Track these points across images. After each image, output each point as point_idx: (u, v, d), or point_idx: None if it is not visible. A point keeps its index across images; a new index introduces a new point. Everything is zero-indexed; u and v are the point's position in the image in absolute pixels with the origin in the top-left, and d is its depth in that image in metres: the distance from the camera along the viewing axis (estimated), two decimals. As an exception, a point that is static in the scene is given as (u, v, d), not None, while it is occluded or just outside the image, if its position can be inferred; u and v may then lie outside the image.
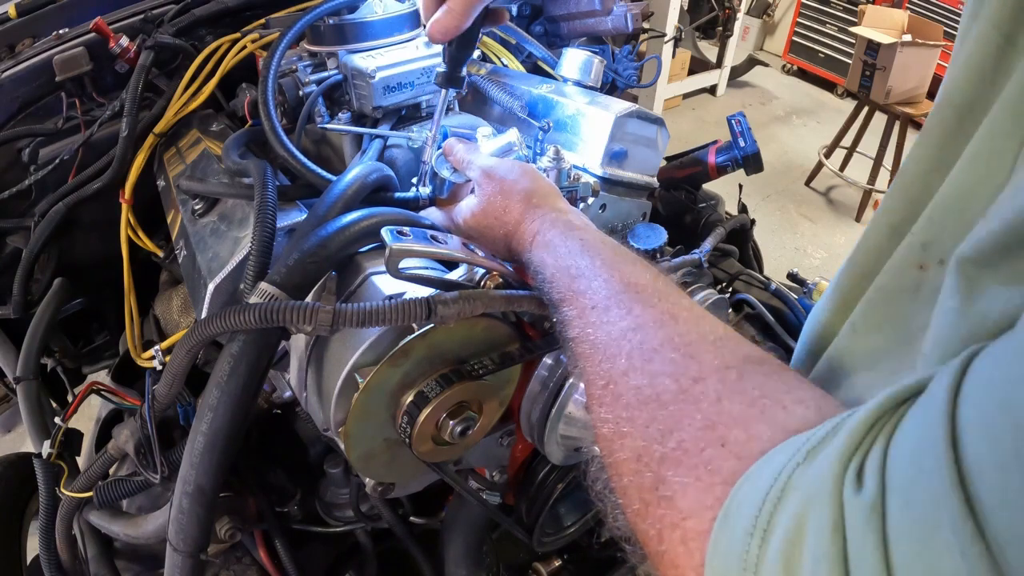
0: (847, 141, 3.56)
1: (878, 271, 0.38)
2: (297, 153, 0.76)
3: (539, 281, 0.55)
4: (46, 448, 0.89)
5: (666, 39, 3.39)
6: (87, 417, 1.07)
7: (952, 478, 0.21)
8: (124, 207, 1.01)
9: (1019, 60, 0.28)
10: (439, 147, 0.77)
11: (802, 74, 4.85)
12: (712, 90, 4.65)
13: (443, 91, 0.75)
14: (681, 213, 1.21)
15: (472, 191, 0.74)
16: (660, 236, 0.88)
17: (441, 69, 0.72)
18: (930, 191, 0.34)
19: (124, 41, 1.06)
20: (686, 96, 4.55)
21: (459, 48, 0.69)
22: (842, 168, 3.63)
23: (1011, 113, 0.28)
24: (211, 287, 0.69)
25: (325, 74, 0.87)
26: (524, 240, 0.59)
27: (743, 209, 1.25)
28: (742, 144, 1.09)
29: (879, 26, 3.33)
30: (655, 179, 0.91)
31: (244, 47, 1.02)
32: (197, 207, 0.81)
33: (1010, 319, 0.24)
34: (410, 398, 0.58)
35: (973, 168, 0.30)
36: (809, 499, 0.26)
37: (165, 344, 0.85)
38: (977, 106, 0.30)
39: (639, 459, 0.36)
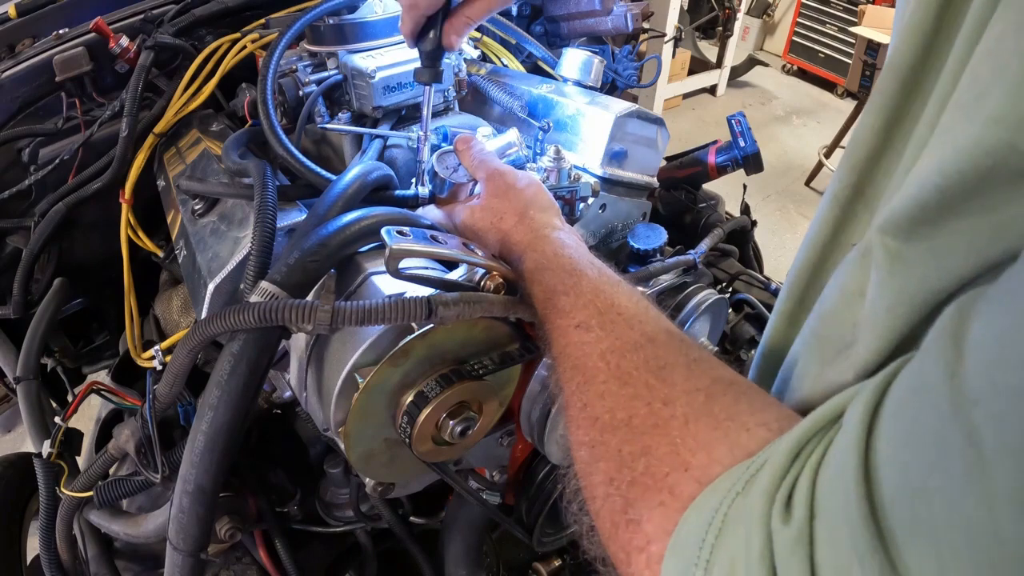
0: (847, 141, 3.55)
1: (824, 243, 0.38)
2: (297, 153, 0.76)
3: (525, 293, 0.55)
4: (46, 448, 0.88)
5: (666, 39, 3.39)
6: (87, 417, 1.07)
7: (863, 511, 0.22)
8: (124, 207, 1.01)
9: (961, 22, 0.27)
10: (433, 147, 0.77)
11: (802, 74, 4.85)
12: (712, 90, 4.65)
13: (427, 88, 0.75)
14: (681, 213, 1.21)
15: (472, 191, 0.74)
16: (660, 236, 0.88)
17: (418, 67, 0.72)
18: (872, 157, 0.34)
19: (124, 41, 1.06)
20: (686, 96, 4.55)
21: (431, 42, 0.69)
22: (842, 168, 3.62)
23: (950, 80, 0.28)
24: (211, 287, 0.69)
25: (325, 74, 0.86)
26: (515, 250, 0.59)
27: (746, 210, 1.25)
28: (742, 144, 1.09)
29: (879, 26, 3.33)
30: (655, 179, 0.91)
31: (244, 47, 1.02)
32: (197, 207, 0.81)
33: (930, 294, 0.25)
34: (410, 398, 0.58)
35: (918, 135, 0.30)
36: (741, 533, 0.27)
37: (165, 344, 0.85)
38: (919, 70, 0.30)
39: (611, 482, 0.36)
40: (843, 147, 3.58)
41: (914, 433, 0.22)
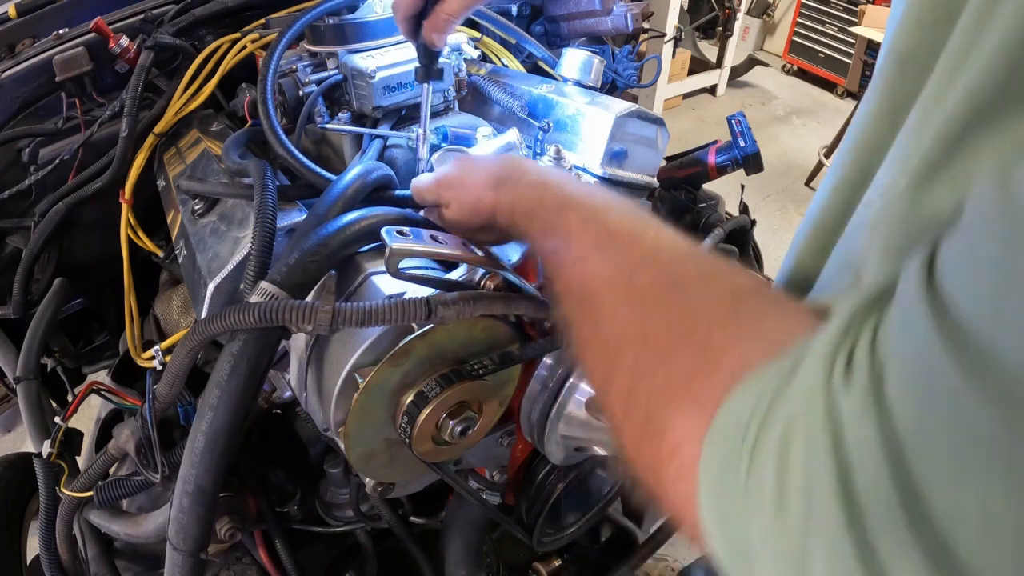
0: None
1: (832, 229, 0.38)
2: (297, 153, 0.76)
3: (528, 252, 0.54)
4: (46, 448, 0.89)
5: (666, 39, 3.39)
6: (87, 417, 1.07)
7: (944, 344, 0.20)
8: (124, 207, 1.01)
9: (958, 9, 0.26)
10: (433, 147, 0.77)
11: (802, 74, 4.85)
12: (712, 90, 4.65)
13: (424, 86, 0.75)
14: (681, 213, 1.21)
15: None
16: (660, 236, 0.88)
17: (417, 65, 0.72)
18: (881, 141, 0.33)
19: (124, 41, 1.06)
20: (686, 96, 4.55)
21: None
22: (842, 168, 3.62)
23: (947, 71, 0.27)
24: (211, 287, 0.69)
25: (325, 74, 0.87)
26: (505, 217, 0.57)
27: (744, 209, 1.25)
28: (742, 144, 1.09)
29: (879, 26, 3.33)
30: (655, 179, 0.91)
31: (244, 47, 1.02)
32: (197, 207, 0.81)
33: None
34: (410, 398, 0.58)
35: (914, 116, 0.29)
36: (798, 402, 0.25)
37: (165, 344, 0.85)
38: (918, 55, 0.30)
39: (630, 397, 0.34)
40: (843, 147, 3.57)
41: (982, 258, 0.20)
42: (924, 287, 0.22)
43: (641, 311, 0.36)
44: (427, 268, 0.64)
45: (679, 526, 0.32)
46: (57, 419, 0.90)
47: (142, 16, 1.13)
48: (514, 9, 1.22)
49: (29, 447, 0.96)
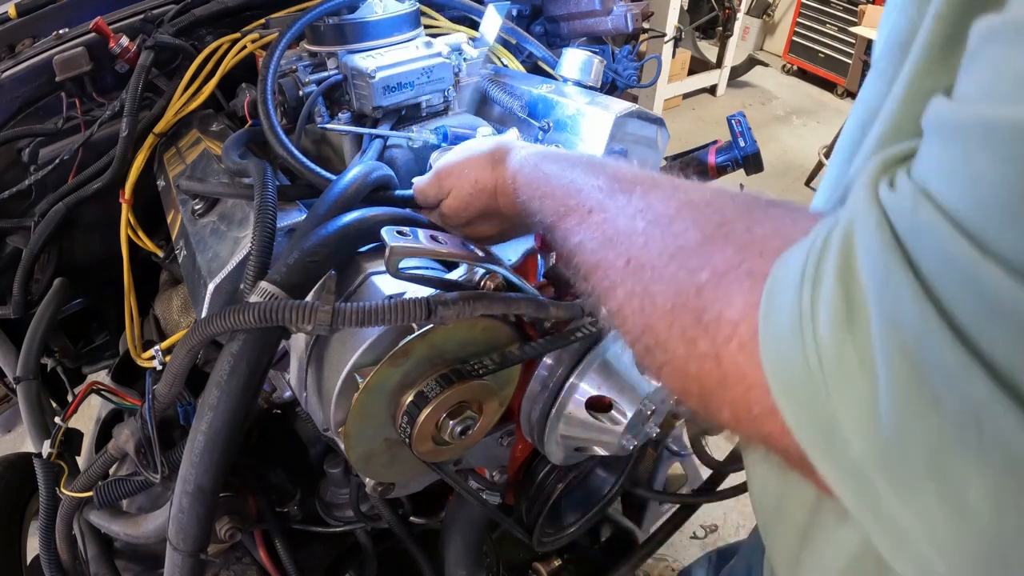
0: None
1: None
2: (297, 153, 0.76)
3: (536, 222, 0.53)
4: (46, 448, 0.89)
5: (666, 39, 3.39)
6: (87, 417, 1.07)
7: (987, 122, 0.21)
8: (124, 207, 1.01)
9: None
10: (432, 147, 0.77)
11: (802, 74, 4.85)
12: (712, 90, 4.64)
13: None
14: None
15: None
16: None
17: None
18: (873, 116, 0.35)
19: (124, 41, 1.06)
20: (686, 96, 4.55)
21: None
22: (842, 168, 3.62)
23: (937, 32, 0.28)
24: (211, 287, 0.69)
25: (325, 74, 0.87)
26: (508, 192, 0.57)
27: (743, 209, 1.25)
28: (742, 144, 1.09)
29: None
30: (655, 179, 0.91)
31: (244, 47, 1.02)
32: (197, 207, 0.81)
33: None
34: (410, 398, 0.58)
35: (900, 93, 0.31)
36: (849, 228, 0.25)
37: (165, 344, 0.85)
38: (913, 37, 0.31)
39: (675, 307, 0.33)
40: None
41: (1001, 62, 0.22)
42: (948, 104, 0.23)
43: (676, 228, 0.36)
44: (427, 268, 0.64)
45: (743, 426, 0.31)
46: (57, 419, 0.90)
47: (142, 16, 1.13)
48: (514, 9, 1.22)
49: (29, 447, 0.96)
